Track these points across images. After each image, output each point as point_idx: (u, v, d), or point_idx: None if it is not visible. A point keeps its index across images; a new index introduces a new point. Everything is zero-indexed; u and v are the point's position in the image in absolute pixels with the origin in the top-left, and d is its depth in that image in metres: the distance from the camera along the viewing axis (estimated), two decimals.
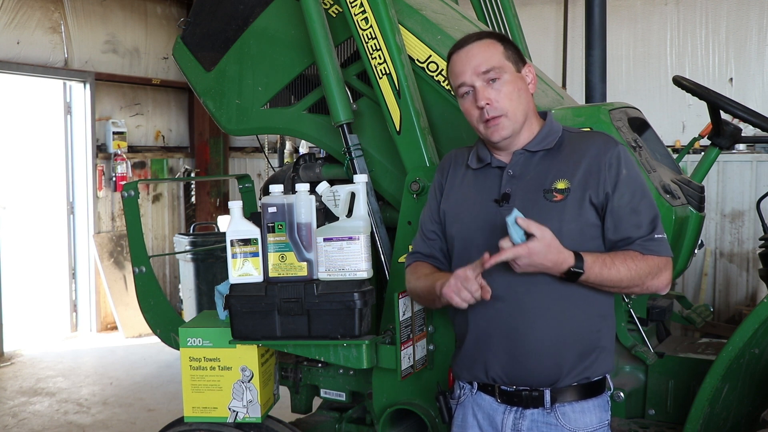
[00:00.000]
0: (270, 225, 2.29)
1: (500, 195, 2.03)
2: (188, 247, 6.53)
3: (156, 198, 8.29)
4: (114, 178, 7.58)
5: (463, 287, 1.89)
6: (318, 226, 2.31)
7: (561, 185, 1.98)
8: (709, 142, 3.05)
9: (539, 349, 1.98)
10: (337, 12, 2.85)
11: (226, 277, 2.37)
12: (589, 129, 2.40)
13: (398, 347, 2.30)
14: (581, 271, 1.89)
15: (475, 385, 2.10)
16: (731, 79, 6.60)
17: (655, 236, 1.97)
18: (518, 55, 2.07)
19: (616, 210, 1.96)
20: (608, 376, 2.07)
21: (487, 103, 2.00)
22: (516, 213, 1.84)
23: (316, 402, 3.11)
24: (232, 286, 2.34)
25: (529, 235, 1.84)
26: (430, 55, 2.73)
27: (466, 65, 2.03)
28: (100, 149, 7.54)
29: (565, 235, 1.92)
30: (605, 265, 1.92)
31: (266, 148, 7.76)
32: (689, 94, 2.97)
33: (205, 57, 3.19)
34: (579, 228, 1.96)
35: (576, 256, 1.90)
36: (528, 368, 1.99)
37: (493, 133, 2.02)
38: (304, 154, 3.20)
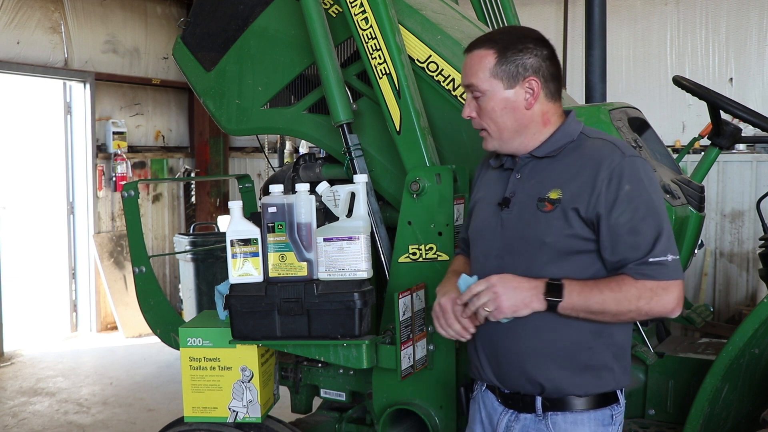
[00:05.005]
0: (270, 225, 2.29)
1: (502, 198, 2.02)
2: (188, 247, 6.54)
3: (156, 198, 8.29)
4: (114, 178, 7.58)
5: (444, 323, 2.00)
6: (318, 226, 2.31)
7: (554, 195, 1.91)
8: (709, 142, 3.06)
9: (518, 359, 1.97)
10: (337, 12, 2.85)
11: (226, 277, 2.36)
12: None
13: (398, 347, 2.30)
14: (560, 299, 1.84)
15: (484, 383, 2.11)
16: (731, 79, 6.60)
17: (650, 260, 1.82)
18: (517, 69, 1.94)
19: (613, 229, 1.85)
20: (619, 392, 1.98)
21: (469, 117, 2.02)
22: (466, 281, 1.93)
23: (316, 402, 3.11)
24: (232, 286, 2.34)
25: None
26: (430, 55, 2.73)
27: (463, 71, 2.03)
28: (100, 149, 7.54)
29: (550, 246, 1.90)
30: (583, 291, 1.85)
31: (266, 148, 7.76)
32: (689, 94, 2.97)
33: (205, 57, 3.19)
34: (565, 241, 1.89)
35: (553, 282, 1.86)
36: (511, 375, 1.99)
37: (483, 143, 2.05)
38: (304, 154, 3.20)
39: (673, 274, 1.85)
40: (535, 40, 1.99)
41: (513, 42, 1.97)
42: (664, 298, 1.84)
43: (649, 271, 1.83)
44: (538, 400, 1.96)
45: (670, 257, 1.84)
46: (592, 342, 1.93)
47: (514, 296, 1.87)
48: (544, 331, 1.93)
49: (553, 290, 1.86)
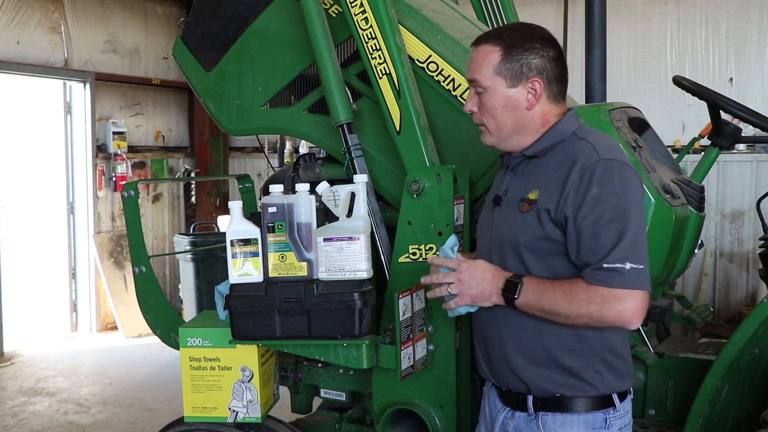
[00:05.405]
0: (270, 225, 2.29)
1: (494, 197, 2.05)
2: (188, 247, 6.54)
3: (156, 198, 8.29)
4: (114, 178, 7.58)
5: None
6: (318, 226, 2.31)
7: (532, 196, 1.90)
8: (709, 142, 3.06)
9: (504, 356, 1.98)
10: (337, 12, 2.85)
11: (226, 277, 2.36)
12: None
13: (398, 347, 2.30)
14: (515, 296, 1.86)
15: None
16: (731, 79, 6.61)
17: (604, 265, 1.77)
18: (521, 69, 1.93)
19: (578, 231, 1.82)
20: (615, 396, 1.97)
21: (470, 111, 2.03)
22: (446, 253, 1.97)
23: (316, 402, 3.11)
24: (232, 286, 2.34)
25: None
26: (430, 55, 2.73)
27: (468, 64, 2.03)
28: (100, 149, 7.54)
29: (524, 247, 1.90)
30: (538, 290, 1.84)
31: (266, 148, 7.76)
32: (689, 94, 2.97)
33: (205, 57, 3.19)
34: (537, 243, 1.89)
35: (513, 279, 1.87)
36: (500, 372, 2.01)
37: (481, 136, 2.06)
38: (304, 154, 3.20)
39: (629, 283, 1.77)
40: (543, 39, 1.96)
41: (520, 40, 1.95)
42: (616, 307, 1.77)
43: (603, 277, 1.78)
44: (530, 399, 1.97)
45: (628, 265, 1.76)
46: (576, 345, 1.91)
47: (475, 287, 1.90)
48: (522, 331, 1.94)
49: (511, 286, 1.87)
